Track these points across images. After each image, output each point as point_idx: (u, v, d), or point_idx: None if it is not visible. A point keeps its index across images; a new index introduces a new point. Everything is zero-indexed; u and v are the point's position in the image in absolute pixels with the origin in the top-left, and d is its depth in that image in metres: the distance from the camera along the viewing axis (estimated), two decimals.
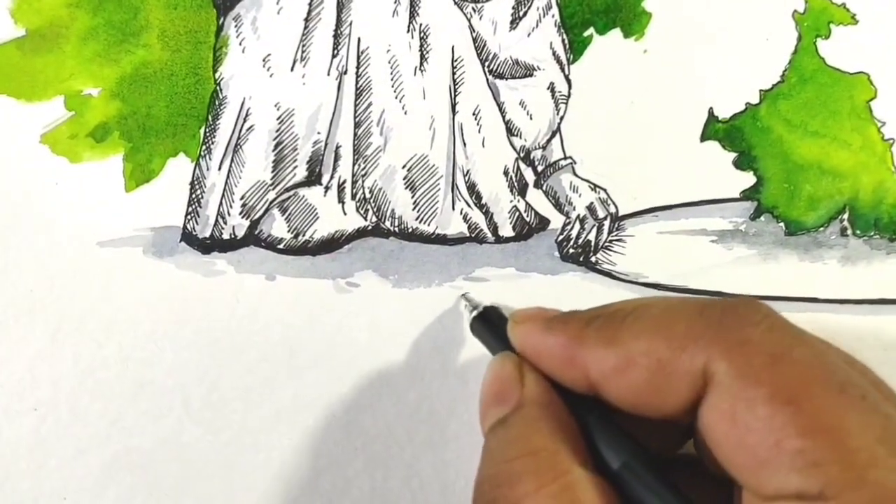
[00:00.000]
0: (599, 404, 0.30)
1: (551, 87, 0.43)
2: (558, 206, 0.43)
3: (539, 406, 0.30)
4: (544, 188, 0.43)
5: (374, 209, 0.42)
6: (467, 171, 0.42)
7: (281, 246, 0.41)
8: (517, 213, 0.42)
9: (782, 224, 0.43)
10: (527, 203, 0.43)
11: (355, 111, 0.42)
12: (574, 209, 0.42)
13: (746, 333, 0.27)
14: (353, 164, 0.42)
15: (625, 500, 0.28)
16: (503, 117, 0.43)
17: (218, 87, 0.41)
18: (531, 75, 0.43)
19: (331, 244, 0.41)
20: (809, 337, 0.27)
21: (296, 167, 0.42)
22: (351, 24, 0.42)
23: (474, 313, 0.38)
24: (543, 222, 0.43)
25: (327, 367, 0.40)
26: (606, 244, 0.42)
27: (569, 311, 0.32)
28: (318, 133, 0.42)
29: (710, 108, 0.43)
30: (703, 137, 0.43)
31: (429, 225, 0.42)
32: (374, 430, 0.40)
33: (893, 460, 0.24)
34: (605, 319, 0.29)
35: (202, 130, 0.41)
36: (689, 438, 0.33)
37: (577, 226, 0.42)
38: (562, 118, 0.43)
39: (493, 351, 0.35)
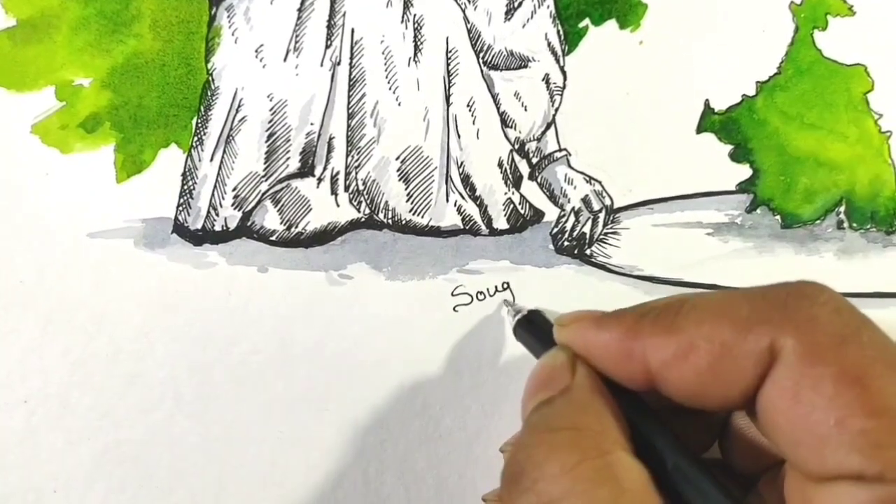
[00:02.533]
0: (648, 405, 0.30)
1: (546, 79, 0.42)
2: (553, 198, 0.42)
3: (588, 391, 0.30)
4: (539, 180, 0.42)
5: (368, 201, 0.42)
6: (461, 163, 0.42)
7: (273, 238, 0.41)
8: (511, 206, 0.42)
9: (778, 217, 0.42)
10: (521, 195, 0.42)
11: (349, 102, 0.42)
12: (569, 201, 0.42)
13: (814, 313, 0.26)
14: (347, 156, 0.42)
15: (673, 500, 0.27)
16: (498, 109, 0.42)
17: (210, 78, 0.41)
18: (526, 67, 0.43)
19: (324, 236, 0.41)
20: (872, 322, 0.27)
21: (288, 158, 0.41)
22: (344, 14, 0.42)
23: (518, 317, 0.37)
24: (538, 214, 0.42)
25: (320, 360, 0.40)
26: (601, 237, 0.42)
27: (615, 310, 0.31)
28: (312, 124, 0.41)
29: (707, 100, 0.43)
30: (699, 129, 0.42)
31: (422, 217, 0.42)
32: (367, 424, 0.40)
33: None
34: (660, 311, 0.29)
35: (194, 121, 0.41)
36: (709, 448, 0.33)
37: (572, 218, 0.42)
38: (557, 110, 0.42)
39: (537, 354, 0.35)
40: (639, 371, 0.29)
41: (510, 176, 0.42)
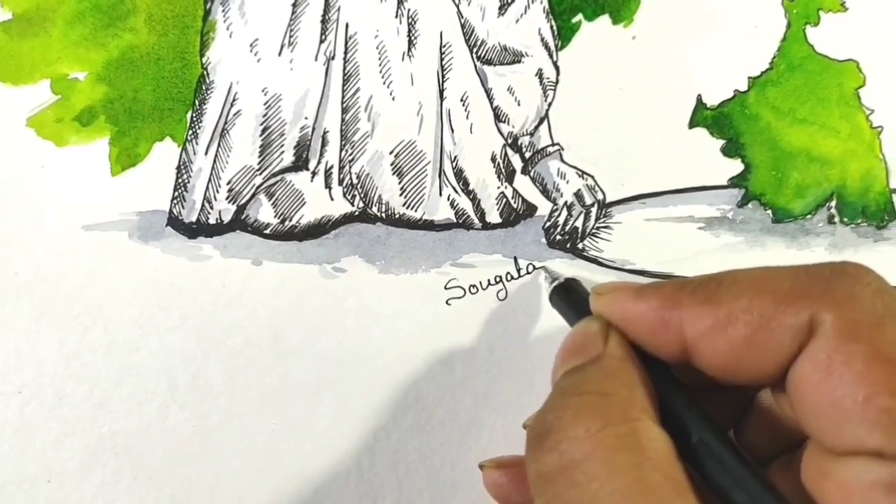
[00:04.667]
0: (678, 379, 0.30)
1: (539, 74, 0.43)
2: (546, 192, 0.43)
3: (620, 359, 0.30)
4: (532, 174, 0.43)
5: (361, 195, 0.42)
6: (455, 157, 0.42)
7: (267, 231, 0.41)
8: (504, 200, 0.42)
9: (770, 211, 0.43)
10: (514, 189, 0.43)
11: (343, 96, 0.42)
12: (561, 196, 0.42)
13: (855, 291, 0.26)
14: (341, 150, 0.42)
15: (698, 473, 0.27)
16: (491, 103, 0.43)
17: (205, 72, 0.41)
18: (519, 61, 0.43)
19: (317, 229, 0.41)
20: None
21: (283, 152, 0.41)
22: (339, 9, 0.42)
23: (555, 283, 0.37)
24: (531, 209, 0.43)
25: (313, 353, 0.40)
26: (593, 231, 0.42)
27: (652, 282, 0.31)
28: (306, 118, 0.42)
29: (699, 95, 0.43)
30: (692, 124, 0.43)
31: (416, 211, 0.42)
32: (360, 416, 0.40)
33: None
34: (698, 283, 0.29)
35: (189, 115, 0.41)
36: (735, 423, 0.34)
37: (565, 212, 0.42)
38: (550, 105, 0.43)
39: (571, 322, 0.35)
40: (674, 341, 0.29)
41: (503, 170, 0.43)
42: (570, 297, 0.37)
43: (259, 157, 0.41)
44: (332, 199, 0.42)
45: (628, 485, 0.25)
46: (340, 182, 0.42)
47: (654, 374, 0.30)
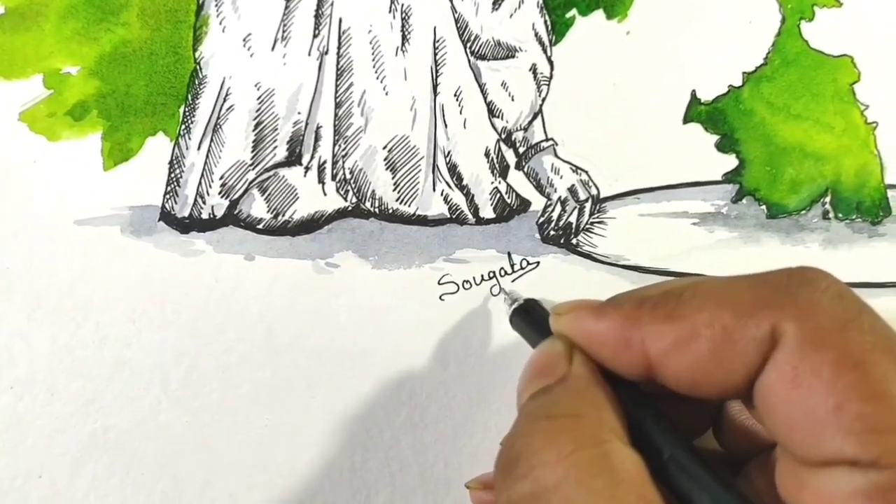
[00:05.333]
0: (645, 395, 0.30)
1: (533, 69, 0.43)
2: (539, 187, 0.42)
3: (586, 380, 0.30)
4: (525, 170, 0.43)
5: (355, 190, 0.42)
6: (448, 153, 0.42)
7: (260, 226, 0.41)
8: (498, 195, 0.42)
9: (764, 207, 0.43)
10: (508, 185, 0.42)
11: (336, 91, 0.42)
12: (555, 191, 0.42)
13: (815, 298, 0.26)
14: (334, 145, 0.42)
15: (670, 490, 0.27)
16: (485, 98, 0.43)
17: (198, 67, 0.41)
18: (513, 56, 0.43)
19: (310, 225, 0.41)
20: (872, 309, 0.27)
21: (276, 147, 0.41)
22: (332, 3, 0.42)
23: (514, 306, 0.37)
24: (524, 204, 0.42)
25: (306, 348, 0.40)
26: (587, 226, 0.42)
27: (611, 297, 0.31)
28: (299, 113, 0.41)
29: (693, 91, 0.43)
30: (686, 120, 0.43)
31: (409, 206, 0.42)
32: (353, 412, 0.40)
33: None
34: (658, 298, 0.29)
35: (182, 109, 0.41)
36: (701, 434, 0.33)
37: (559, 208, 0.42)
38: (543, 100, 0.43)
39: (533, 344, 0.34)
40: (637, 360, 0.29)
41: (497, 165, 0.43)
42: (530, 319, 0.36)
43: (252, 151, 0.41)
44: (325, 194, 0.42)
45: None
46: (334, 177, 0.42)
47: (620, 391, 0.30)
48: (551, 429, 0.27)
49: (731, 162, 0.43)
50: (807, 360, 0.25)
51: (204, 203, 0.41)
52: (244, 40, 0.41)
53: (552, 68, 0.43)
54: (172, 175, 0.41)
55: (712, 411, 0.33)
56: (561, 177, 0.42)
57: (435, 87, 0.42)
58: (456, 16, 0.42)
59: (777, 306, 0.26)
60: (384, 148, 0.42)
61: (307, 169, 0.42)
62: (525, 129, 0.43)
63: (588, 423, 0.28)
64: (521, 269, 0.41)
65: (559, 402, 0.29)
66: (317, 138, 0.42)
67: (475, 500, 0.34)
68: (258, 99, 0.41)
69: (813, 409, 0.25)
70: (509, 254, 0.42)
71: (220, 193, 0.41)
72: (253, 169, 0.41)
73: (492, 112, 0.43)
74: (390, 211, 0.42)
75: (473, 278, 0.41)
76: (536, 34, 0.43)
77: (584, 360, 0.30)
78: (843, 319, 0.26)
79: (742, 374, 0.27)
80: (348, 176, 0.42)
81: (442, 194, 0.42)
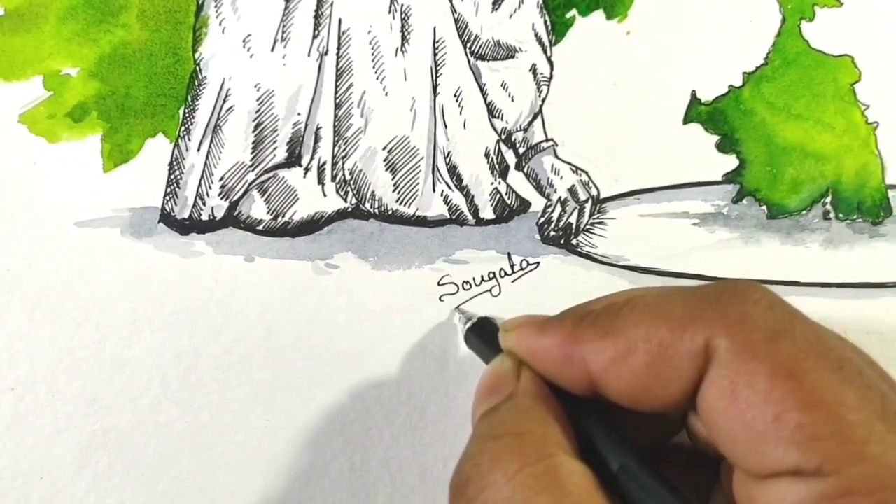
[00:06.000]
0: (595, 407, 0.30)
1: (533, 69, 0.43)
2: (539, 188, 0.42)
3: (532, 396, 0.30)
4: (525, 170, 0.43)
5: (354, 191, 0.42)
6: (448, 153, 0.42)
7: (260, 227, 0.41)
8: (498, 196, 0.42)
9: (765, 207, 0.43)
10: (508, 185, 0.42)
11: (336, 92, 0.42)
12: (555, 191, 0.42)
13: (746, 311, 0.26)
14: (334, 146, 0.42)
15: (621, 501, 0.27)
16: (484, 99, 0.42)
17: (197, 68, 0.41)
18: (513, 57, 0.43)
19: (310, 226, 0.41)
20: (805, 317, 0.27)
21: (275, 148, 0.41)
22: (332, 4, 0.42)
23: (468, 325, 0.38)
24: (524, 204, 0.42)
25: (306, 349, 0.40)
26: (588, 227, 0.42)
27: (560, 312, 0.31)
28: (299, 114, 0.42)
29: (693, 91, 0.43)
30: (686, 120, 0.43)
31: (409, 207, 0.42)
32: (352, 413, 0.40)
33: (891, 436, 0.24)
34: (598, 314, 0.29)
35: (181, 111, 0.41)
36: (678, 432, 0.33)
37: (559, 208, 0.42)
38: (543, 100, 0.42)
39: (487, 361, 0.35)
40: (580, 376, 0.29)
41: (497, 166, 0.43)
42: (484, 337, 0.37)
43: (252, 153, 0.41)
44: (324, 195, 0.42)
45: None
46: (333, 178, 0.42)
47: (568, 406, 0.30)
48: (497, 449, 0.28)
49: (731, 162, 0.43)
50: (741, 373, 0.25)
51: (204, 204, 0.41)
52: (244, 41, 0.41)
53: (552, 69, 0.42)
54: (172, 176, 0.41)
55: (676, 419, 0.33)
56: (561, 177, 0.42)
57: (435, 87, 0.42)
58: (456, 16, 0.42)
59: (709, 319, 0.26)
60: (384, 149, 0.42)
61: (307, 170, 0.42)
62: (525, 130, 0.43)
63: (533, 439, 0.28)
64: (521, 269, 0.41)
65: (505, 420, 0.29)
66: (316, 139, 0.42)
67: None
68: (258, 100, 0.41)
69: (752, 421, 0.25)
70: (509, 254, 0.42)
71: (219, 195, 0.41)
72: (253, 170, 0.41)
73: (492, 112, 0.42)
74: (390, 212, 0.42)
75: (473, 279, 0.41)
76: (536, 34, 0.43)
77: (531, 376, 0.31)
78: (774, 330, 0.26)
79: (680, 389, 0.27)
80: (348, 177, 0.42)
81: (442, 195, 0.42)
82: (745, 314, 0.26)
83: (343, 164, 0.42)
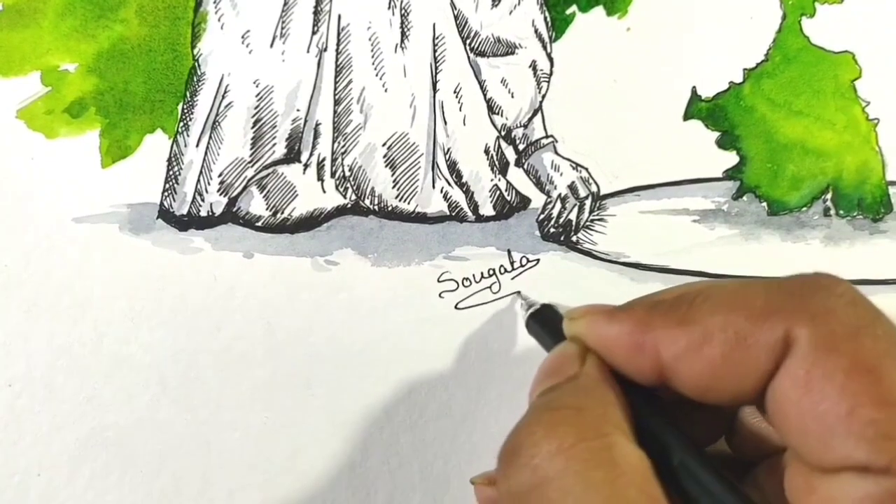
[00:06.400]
0: (658, 400, 0.30)
1: (533, 65, 0.42)
2: (539, 184, 0.42)
3: (595, 379, 0.29)
4: (525, 167, 0.42)
5: (354, 187, 0.42)
6: (448, 150, 0.42)
7: (259, 223, 0.41)
8: (498, 192, 0.42)
9: (765, 204, 0.42)
10: (508, 182, 0.42)
11: (335, 88, 0.42)
12: (555, 188, 0.42)
13: (829, 304, 0.26)
14: (333, 142, 0.42)
15: (678, 495, 0.27)
16: (484, 95, 0.42)
17: (196, 64, 0.41)
18: (513, 53, 0.42)
19: (310, 222, 0.41)
20: (887, 316, 0.27)
21: (275, 144, 0.41)
22: (331, 0, 0.41)
23: (530, 311, 0.37)
24: (524, 201, 0.42)
25: (305, 346, 0.40)
26: (588, 223, 0.42)
27: (626, 302, 0.31)
28: (298, 110, 0.41)
29: (694, 87, 0.42)
30: (686, 116, 0.42)
31: (409, 203, 0.42)
32: (352, 410, 0.40)
33: None
34: (670, 303, 0.29)
35: (180, 107, 0.41)
36: (719, 438, 0.33)
37: (559, 205, 0.42)
38: (543, 96, 0.42)
39: (548, 348, 0.34)
40: (650, 365, 0.29)
41: (497, 162, 0.42)
42: (546, 324, 0.36)
43: (251, 149, 0.41)
44: (324, 191, 0.42)
45: (603, 500, 0.25)
46: (333, 174, 0.42)
47: (632, 394, 0.29)
48: (553, 420, 0.27)
49: (731, 159, 0.42)
50: (819, 366, 0.25)
51: (202, 200, 0.41)
52: (243, 37, 0.41)
53: (552, 65, 0.42)
54: (171, 172, 0.41)
55: (726, 420, 0.33)
56: (561, 174, 0.42)
57: (434, 83, 0.42)
58: (455, 12, 0.42)
59: (791, 311, 0.26)
60: (383, 145, 0.42)
61: (306, 166, 0.42)
62: (525, 126, 0.42)
63: (592, 416, 0.27)
64: (521, 266, 0.41)
65: (565, 395, 0.29)
66: (316, 135, 0.42)
67: (480, 495, 0.34)
68: (257, 96, 0.41)
69: (824, 414, 0.25)
70: (509, 251, 0.41)
71: (218, 191, 0.41)
72: (252, 166, 0.41)
73: (491, 109, 0.42)
74: (390, 208, 0.42)
75: (473, 276, 0.41)
76: (536, 31, 0.42)
77: (596, 361, 0.30)
78: (856, 326, 0.25)
79: (755, 379, 0.27)
80: (347, 173, 0.42)
81: (441, 191, 0.42)
82: (828, 308, 0.26)
83: (342, 160, 0.42)
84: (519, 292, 0.40)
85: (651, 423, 0.29)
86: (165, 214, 0.40)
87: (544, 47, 0.42)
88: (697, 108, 0.42)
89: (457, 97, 0.42)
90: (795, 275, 0.28)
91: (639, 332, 0.29)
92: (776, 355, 0.26)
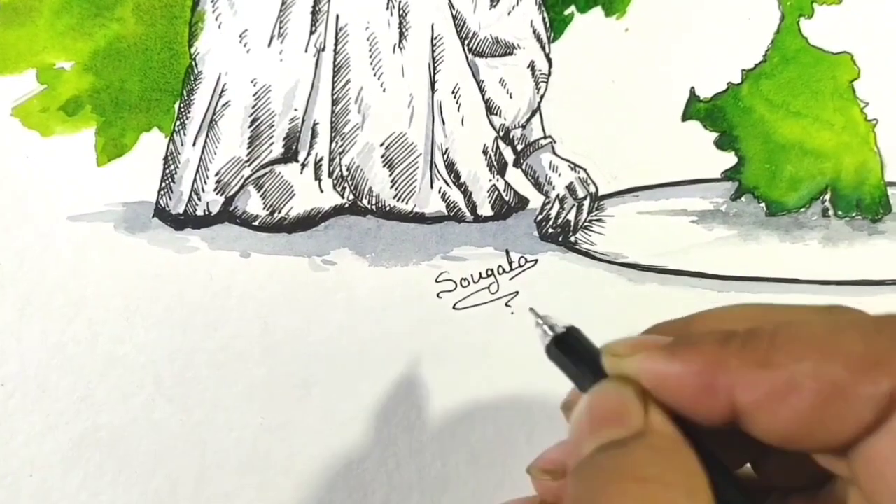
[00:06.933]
0: (720, 443, 0.27)
1: (531, 66, 0.42)
2: (538, 185, 0.42)
3: (671, 440, 0.26)
4: (524, 167, 0.42)
5: (352, 187, 0.41)
6: (446, 150, 0.42)
7: (256, 223, 0.41)
8: (496, 192, 0.42)
9: (763, 204, 0.42)
10: (506, 182, 0.42)
11: (333, 88, 0.41)
12: (554, 189, 0.42)
13: None
14: (331, 142, 0.41)
15: None
16: (483, 96, 0.42)
17: (193, 63, 0.41)
18: (511, 54, 0.42)
19: (307, 221, 0.41)
20: None
21: (272, 144, 0.41)
22: (329, 0, 0.41)
23: (553, 335, 0.30)
24: (522, 201, 0.42)
25: (302, 346, 0.40)
26: (586, 224, 0.42)
27: (684, 335, 0.27)
28: (295, 110, 0.41)
29: (692, 88, 0.42)
30: (685, 117, 0.42)
31: (407, 203, 0.42)
32: (349, 410, 0.39)
33: None
34: (745, 339, 0.25)
35: (177, 105, 0.40)
36: (749, 460, 0.32)
37: (557, 205, 0.42)
38: (542, 97, 0.42)
39: (576, 379, 0.29)
40: (721, 408, 0.25)
41: (495, 163, 0.42)
42: (573, 351, 0.30)
43: (248, 148, 0.41)
44: (321, 190, 0.41)
45: None
46: (330, 174, 0.41)
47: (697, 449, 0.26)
48: (642, 496, 0.24)
49: (730, 159, 0.42)
50: None
51: (199, 199, 0.40)
52: (240, 36, 0.41)
53: (550, 65, 0.42)
54: (167, 171, 0.40)
55: (760, 448, 0.31)
56: (559, 174, 0.42)
57: (433, 84, 0.42)
58: (454, 13, 0.42)
59: None
60: (381, 145, 0.41)
61: (303, 166, 0.41)
62: (523, 127, 0.42)
63: (682, 493, 0.25)
64: (520, 266, 0.41)
65: (644, 463, 0.26)
66: (313, 135, 0.41)
67: (541, 489, 0.30)
68: (254, 95, 0.41)
69: None
70: (507, 251, 0.41)
71: (215, 190, 0.41)
72: (249, 165, 0.41)
73: (490, 109, 0.42)
74: (388, 208, 0.41)
75: (471, 276, 0.41)
76: (535, 31, 0.42)
77: (663, 413, 0.27)
78: None
79: (850, 434, 0.24)
80: (345, 173, 0.41)
81: (440, 192, 0.42)
82: None
83: (340, 160, 0.41)
84: (532, 309, 0.35)
85: (720, 484, 0.25)
86: (161, 213, 0.40)
87: (543, 48, 0.42)
88: (696, 109, 0.42)
89: (455, 97, 0.42)
90: (892, 316, 0.25)
91: (710, 373, 0.25)
92: (880, 410, 0.24)
